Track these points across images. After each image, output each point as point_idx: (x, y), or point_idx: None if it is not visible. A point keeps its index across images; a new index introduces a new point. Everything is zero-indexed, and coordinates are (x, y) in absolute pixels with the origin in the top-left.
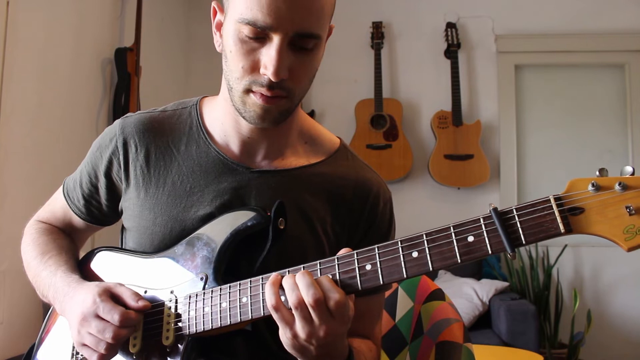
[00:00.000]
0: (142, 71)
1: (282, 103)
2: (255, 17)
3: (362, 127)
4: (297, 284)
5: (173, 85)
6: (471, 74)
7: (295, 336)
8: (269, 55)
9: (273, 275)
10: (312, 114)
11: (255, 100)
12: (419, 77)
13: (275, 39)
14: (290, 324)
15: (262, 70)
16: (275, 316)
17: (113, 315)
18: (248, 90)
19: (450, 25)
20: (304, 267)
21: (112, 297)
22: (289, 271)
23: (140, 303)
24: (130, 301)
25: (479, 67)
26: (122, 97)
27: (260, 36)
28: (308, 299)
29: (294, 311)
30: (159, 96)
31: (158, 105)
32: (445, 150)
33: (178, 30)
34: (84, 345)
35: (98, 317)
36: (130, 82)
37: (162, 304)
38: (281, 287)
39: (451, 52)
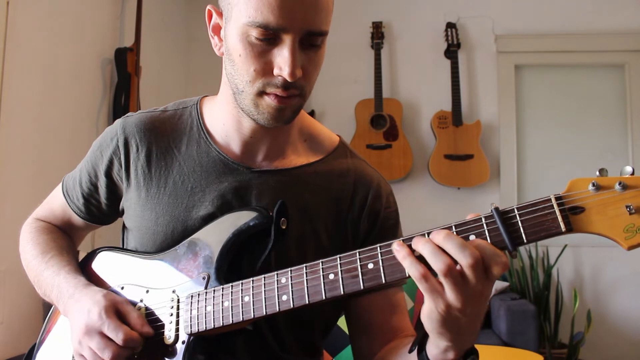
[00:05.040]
0: (142, 71)
1: (295, 102)
2: (266, 19)
3: (362, 127)
4: (444, 248)
5: (173, 85)
6: (471, 74)
7: (448, 307)
8: (282, 56)
9: (396, 244)
10: (312, 114)
11: (269, 101)
12: (419, 77)
13: (287, 40)
14: (441, 294)
15: (276, 72)
16: (423, 287)
17: (117, 334)
18: (261, 93)
19: (450, 25)
20: (305, 266)
21: (117, 313)
22: (403, 240)
23: (145, 329)
24: (137, 324)
25: (479, 67)
26: (122, 97)
27: (270, 37)
28: (465, 261)
29: (443, 279)
30: (159, 96)
31: (158, 105)
32: (445, 150)
33: (178, 30)
34: (81, 356)
35: (101, 333)
36: (130, 82)
37: (164, 304)
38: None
39: (451, 52)
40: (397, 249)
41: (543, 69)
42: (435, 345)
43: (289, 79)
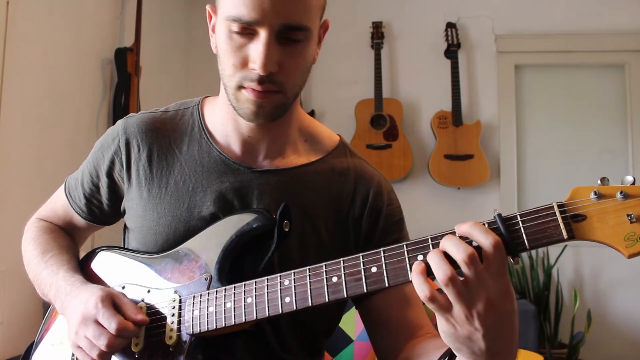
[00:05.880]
0: (142, 71)
1: (275, 98)
2: (240, 12)
3: (362, 127)
4: (444, 256)
5: (173, 85)
6: (471, 74)
7: (456, 322)
8: (256, 50)
9: (416, 265)
10: (312, 114)
11: (247, 96)
12: (419, 77)
13: (262, 33)
14: (448, 309)
15: (251, 65)
16: (432, 307)
17: (111, 323)
18: (240, 87)
19: (450, 25)
20: (309, 269)
21: (114, 304)
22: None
23: (139, 317)
24: (130, 313)
25: (479, 67)
26: (122, 97)
27: (248, 31)
28: (460, 256)
29: (445, 290)
30: (159, 96)
31: (158, 105)
32: (445, 150)
33: (178, 30)
34: (79, 347)
35: (97, 322)
36: (130, 82)
37: (166, 304)
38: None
39: (451, 52)
40: (415, 266)
41: (543, 69)
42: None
43: (260, 72)
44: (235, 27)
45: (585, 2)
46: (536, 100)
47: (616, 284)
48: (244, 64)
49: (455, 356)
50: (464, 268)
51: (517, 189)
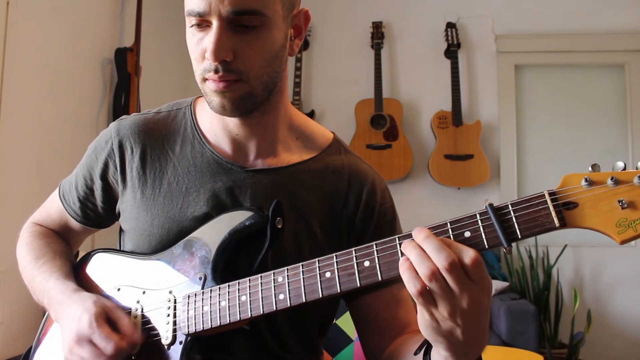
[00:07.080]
0: (142, 71)
1: (236, 87)
2: (191, 6)
3: (362, 127)
4: (426, 252)
5: (173, 85)
6: (471, 74)
7: (440, 318)
8: (208, 39)
9: (403, 261)
10: (312, 113)
11: (210, 86)
12: (419, 77)
13: (214, 23)
14: (431, 304)
15: (206, 56)
16: (420, 302)
17: (107, 345)
18: (204, 80)
19: (450, 25)
20: (302, 265)
21: (109, 320)
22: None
23: (136, 336)
24: (127, 330)
25: (479, 67)
26: (122, 97)
27: (205, 24)
28: (441, 263)
29: (429, 285)
30: (159, 96)
31: (158, 105)
32: (445, 150)
33: (178, 30)
34: None
35: (92, 342)
36: (130, 82)
37: (161, 304)
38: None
39: (451, 52)
40: (401, 261)
41: (543, 69)
42: (437, 352)
43: (211, 60)
44: (192, 21)
45: (585, 2)
46: (536, 100)
47: (616, 284)
48: (202, 56)
49: (432, 346)
50: (446, 275)
51: (517, 189)
